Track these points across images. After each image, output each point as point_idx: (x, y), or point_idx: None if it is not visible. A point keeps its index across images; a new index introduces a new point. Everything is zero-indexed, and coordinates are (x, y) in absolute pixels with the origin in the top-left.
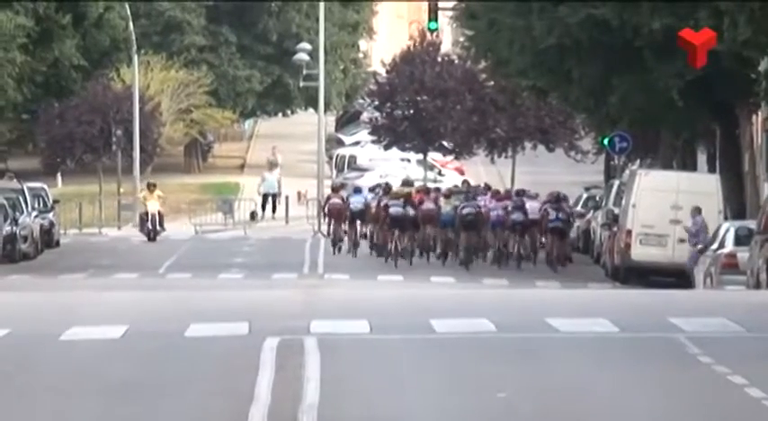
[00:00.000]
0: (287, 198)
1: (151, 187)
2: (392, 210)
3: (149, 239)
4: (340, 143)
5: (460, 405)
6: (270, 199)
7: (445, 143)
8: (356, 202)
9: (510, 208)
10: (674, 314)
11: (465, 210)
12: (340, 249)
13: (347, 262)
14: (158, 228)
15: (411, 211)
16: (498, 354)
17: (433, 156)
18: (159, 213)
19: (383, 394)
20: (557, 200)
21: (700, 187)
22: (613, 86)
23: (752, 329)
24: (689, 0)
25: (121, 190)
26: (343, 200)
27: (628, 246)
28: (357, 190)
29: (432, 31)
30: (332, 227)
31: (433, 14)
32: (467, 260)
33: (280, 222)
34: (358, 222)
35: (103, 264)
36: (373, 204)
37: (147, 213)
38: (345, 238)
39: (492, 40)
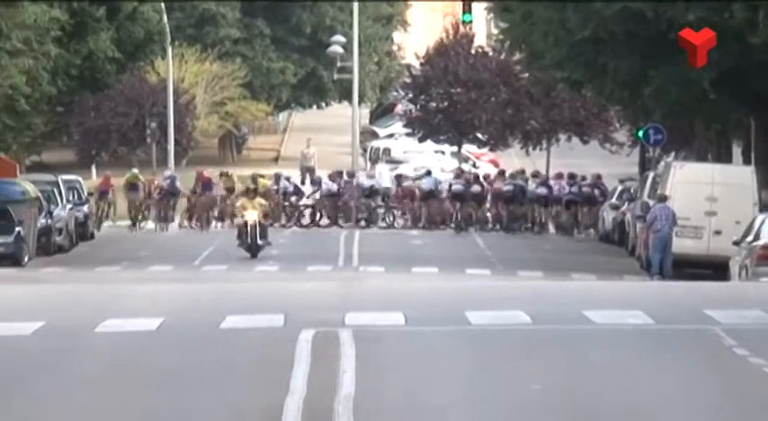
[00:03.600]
0: None
1: (251, 193)
2: (454, 187)
3: (251, 256)
4: (374, 135)
5: (495, 396)
6: None
7: (479, 135)
8: (427, 183)
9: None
10: (710, 306)
11: (454, 187)
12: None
13: (382, 254)
14: (260, 242)
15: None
16: (533, 346)
17: (468, 148)
18: (260, 224)
19: (418, 385)
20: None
21: (735, 179)
22: (648, 78)
23: None
24: None
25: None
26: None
27: None
28: (428, 172)
29: (466, 23)
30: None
31: (467, 6)
32: (458, 228)
33: None
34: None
35: (138, 256)
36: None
37: (245, 224)
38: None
39: (527, 32)
